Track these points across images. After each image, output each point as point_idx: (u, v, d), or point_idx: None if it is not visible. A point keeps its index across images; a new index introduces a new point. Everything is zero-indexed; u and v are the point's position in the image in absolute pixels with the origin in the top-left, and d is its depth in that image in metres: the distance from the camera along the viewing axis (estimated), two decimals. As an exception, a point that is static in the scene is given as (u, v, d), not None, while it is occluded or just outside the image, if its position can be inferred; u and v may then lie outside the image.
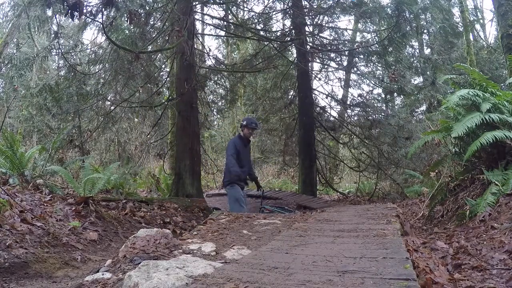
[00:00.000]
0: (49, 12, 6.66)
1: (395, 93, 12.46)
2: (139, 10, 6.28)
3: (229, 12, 9.03)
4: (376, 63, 10.18)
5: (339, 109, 11.61)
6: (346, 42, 10.82)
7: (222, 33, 10.06)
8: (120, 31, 7.84)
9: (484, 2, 47.50)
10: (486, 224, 3.34)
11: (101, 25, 5.58)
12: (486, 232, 3.17)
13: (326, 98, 11.14)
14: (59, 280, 2.80)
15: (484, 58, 15.20)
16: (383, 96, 13.00)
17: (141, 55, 6.88)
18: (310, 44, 9.89)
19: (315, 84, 11.37)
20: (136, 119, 10.93)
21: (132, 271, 1.81)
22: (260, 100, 11.41)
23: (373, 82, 11.06)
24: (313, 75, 11.49)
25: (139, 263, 2.01)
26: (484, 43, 17.42)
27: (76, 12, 4.26)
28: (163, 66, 10.45)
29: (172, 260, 2.08)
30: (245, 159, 5.33)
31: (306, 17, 9.86)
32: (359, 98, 10.84)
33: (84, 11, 4.59)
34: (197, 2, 7.98)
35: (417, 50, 12.34)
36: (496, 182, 3.76)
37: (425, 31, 10.25)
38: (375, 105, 11.20)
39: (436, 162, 5.40)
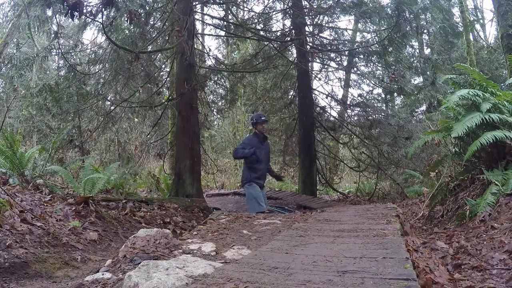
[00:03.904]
0: (49, 12, 6.66)
1: (395, 93, 12.45)
2: (139, 10, 6.28)
3: (229, 12, 9.02)
4: (376, 63, 10.17)
5: (339, 109, 11.61)
6: (346, 42, 10.81)
7: (222, 33, 10.06)
8: (120, 31, 7.84)
9: (484, 2, 47.55)
10: (486, 224, 3.34)
11: (101, 25, 5.58)
12: (486, 232, 3.17)
13: (326, 98, 11.15)
14: (59, 280, 2.80)
15: (484, 58, 15.20)
16: (383, 96, 12.99)
17: (141, 55, 6.88)
18: (310, 44, 9.89)
19: (315, 84, 11.38)
20: (136, 119, 10.92)
21: (132, 271, 1.81)
22: (260, 100, 11.40)
23: (373, 82, 11.05)
24: (313, 75, 11.48)
25: (139, 263, 2.02)
26: (484, 43, 17.41)
27: (76, 12, 4.25)
28: (163, 66, 10.45)
29: (172, 260, 2.08)
30: (262, 157, 5.24)
31: (306, 17, 9.85)
32: (359, 98, 10.83)
33: (84, 11, 4.58)
34: (197, 2, 7.97)
35: (417, 50, 12.32)
36: (496, 182, 3.75)
37: (425, 31, 10.22)
38: (375, 105, 11.19)
39: (436, 162, 5.39)
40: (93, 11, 5.21)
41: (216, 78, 9.77)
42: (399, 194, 9.22)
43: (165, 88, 9.75)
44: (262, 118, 5.37)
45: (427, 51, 13.20)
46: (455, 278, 2.22)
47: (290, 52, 11.22)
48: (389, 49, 8.75)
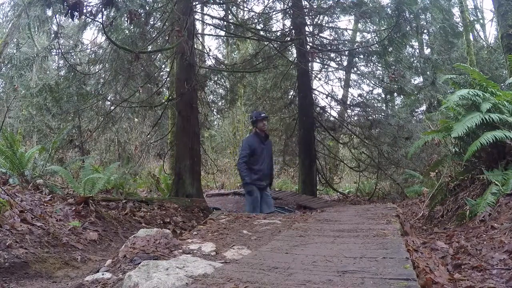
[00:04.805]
0: (49, 12, 6.67)
1: (395, 93, 12.46)
2: (139, 10, 6.27)
3: (229, 12, 9.02)
4: (376, 63, 10.17)
5: (339, 109, 11.62)
6: (346, 42, 10.81)
7: (222, 33, 10.06)
8: (120, 31, 7.84)
9: (484, 2, 47.59)
10: (486, 224, 3.34)
11: (101, 25, 5.58)
12: (486, 232, 3.17)
13: (326, 98, 11.15)
14: (59, 280, 2.80)
15: (484, 58, 15.20)
16: (383, 96, 12.99)
17: (141, 55, 6.88)
18: (310, 44, 9.89)
19: (315, 84, 11.38)
20: (136, 119, 10.92)
21: (132, 271, 1.81)
22: (260, 100, 11.40)
23: (373, 82, 11.06)
24: (313, 75, 11.49)
25: (139, 263, 2.01)
26: (484, 43, 17.41)
27: (76, 12, 4.25)
28: (163, 66, 10.45)
29: (172, 260, 2.08)
30: (263, 157, 5.00)
31: (306, 17, 9.86)
32: (359, 98, 10.84)
33: (84, 11, 4.58)
34: (197, 2, 7.97)
35: (417, 50, 12.32)
36: (496, 182, 3.75)
37: (425, 31, 10.21)
38: (375, 105, 11.20)
39: (436, 162, 5.40)
40: (93, 11, 5.21)
41: (216, 78, 9.77)
42: (399, 194, 9.22)
43: (165, 88, 9.76)
44: (262, 114, 5.11)
45: (427, 51, 13.20)
46: (455, 278, 2.22)
47: (290, 52, 11.23)
48: (389, 49, 8.75)
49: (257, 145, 4.98)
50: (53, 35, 6.95)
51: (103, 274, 2.08)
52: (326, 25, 10.31)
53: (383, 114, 10.66)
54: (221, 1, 8.39)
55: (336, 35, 10.51)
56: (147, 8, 7.31)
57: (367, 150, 10.56)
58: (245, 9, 10.60)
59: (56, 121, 8.40)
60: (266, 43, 9.65)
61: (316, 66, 12.04)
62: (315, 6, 9.98)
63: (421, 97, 10.71)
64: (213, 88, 10.65)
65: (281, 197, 9.36)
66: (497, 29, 12.39)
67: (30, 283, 2.69)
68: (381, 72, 10.91)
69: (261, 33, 9.46)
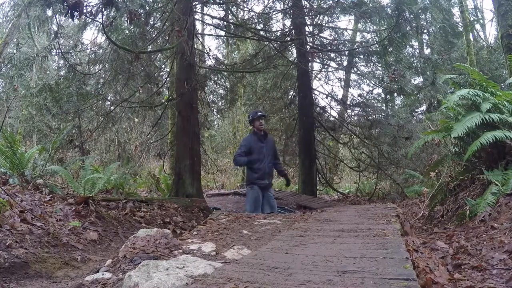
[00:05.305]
0: (49, 12, 6.68)
1: (395, 93, 12.47)
2: (139, 10, 6.28)
3: (229, 12, 9.03)
4: (376, 63, 10.18)
5: (339, 109, 11.62)
6: (346, 42, 10.82)
7: (222, 33, 10.07)
8: (120, 31, 7.85)
9: (484, 2, 47.59)
10: (486, 224, 3.34)
11: (101, 25, 5.59)
12: (486, 232, 3.17)
13: (326, 98, 11.16)
14: (59, 280, 2.80)
15: (484, 58, 15.20)
16: (383, 96, 13.01)
17: (141, 55, 6.88)
18: (310, 44, 9.89)
19: (315, 84, 11.39)
20: (136, 119, 10.93)
21: (132, 271, 1.81)
22: (260, 100, 11.41)
23: (373, 82, 11.07)
24: (313, 75, 11.49)
25: (139, 263, 2.01)
26: (484, 43, 17.41)
27: (76, 12, 4.26)
28: (163, 66, 10.46)
29: (172, 260, 2.08)
30: (263, 155, 4.98)
31: (306, 17, 9.86)
32: (359, 98, 10.85)
33: (84, 11, 4.58)
34: (197, 2, 7.97)
35: (417, 50, 12.33)
36: (496, 182, 3.75)
37: (425, 31, 10.23)
38: (375, 105, 11.21)
39: (436, 162, 5.40)
40: (93, 11, 5.21)
41: (216, 78, 9.78)
42: (399, 194, 9.22)
43: (165, 88, 9.76)
44: (258, 113, 5.11)
45: (427, 51, 13.21)
46: (455, 278, 2.22)
47: (290, 52, 11.23)
48: (389, 49, 8.76)
49: (254, 144, 4.99)
50: (53, 35, 6.96)
51: (103, 274, 2.08)
52: (326, 25, 10.32)
53: (383, 114, 10.66)
54: (221, 1, 8.40)
55: (336, 35, 10.52)
56: (147, 8, 7.32)
57: (367, 150, 10.57)
58: (245, 9, 10.62)
59: (56, 121, 8.41)
60: (266, 43, 9.65)
61: (316, 66, 12.07)
62: (315, 6, 9.98)
63: (421, 97, 10.72)
64: (213, 88, 10.65)
65: (281, 197, 9.36)
66: (497, 29, 12.40)
67: (30, 283, 2.69)
68: (381, 72, 10.92)
69: (261, 33, 9.47)
